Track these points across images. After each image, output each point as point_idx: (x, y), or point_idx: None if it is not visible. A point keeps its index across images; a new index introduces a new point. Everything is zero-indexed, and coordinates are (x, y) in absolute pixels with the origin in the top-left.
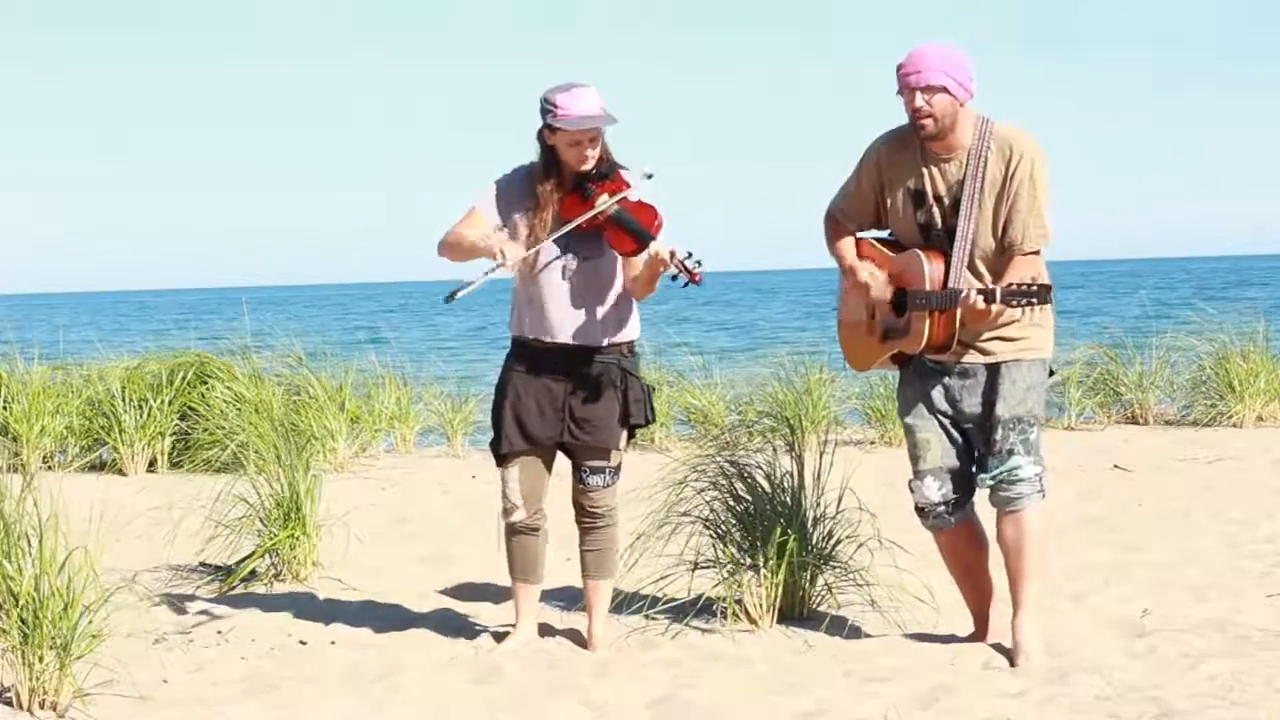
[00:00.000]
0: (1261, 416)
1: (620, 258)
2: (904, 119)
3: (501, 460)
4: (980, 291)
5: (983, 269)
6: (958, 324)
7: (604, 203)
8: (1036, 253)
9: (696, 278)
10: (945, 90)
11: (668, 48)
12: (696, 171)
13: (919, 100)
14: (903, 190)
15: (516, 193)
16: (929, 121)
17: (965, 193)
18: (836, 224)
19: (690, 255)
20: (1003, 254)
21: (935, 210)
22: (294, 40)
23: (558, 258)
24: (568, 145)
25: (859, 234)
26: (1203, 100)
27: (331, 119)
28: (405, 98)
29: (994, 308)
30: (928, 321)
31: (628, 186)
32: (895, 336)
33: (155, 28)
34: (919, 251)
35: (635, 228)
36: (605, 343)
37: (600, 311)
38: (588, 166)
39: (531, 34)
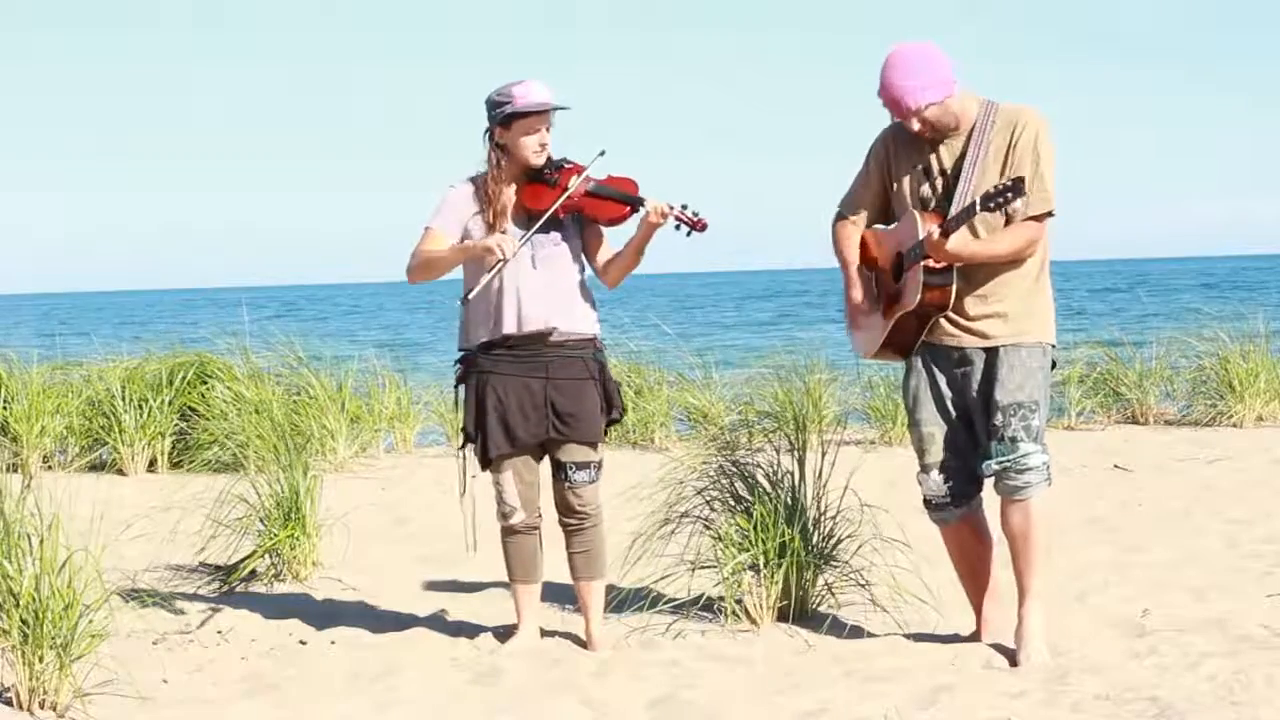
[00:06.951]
0: (1261, 416)
1: (590, 243)
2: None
3: (490, 465)
4: (940, 225)
5: (983, 234)
6: (954, 277)
7: (576, 182)
8: (1039, 220)
9: (700, 224)
10: (930, 104)
11: (665, 47)
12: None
13: (912, 123)
14: (910, 171)
15: (468, 202)
16: (926, 130)
17: (966, 160)
18: (841, 223)
19: (685, 206)
20: (1006, 221)
21: (940, 182)
22: (294, 40)
23: (524, 248)
24: (524, 135)
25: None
26: (1207, 101)
27: (332, 119)
28: (405, 98)
29: (951, 241)
30: (922, 272)
31: (586, 168)
32: (896, 302)
33: (155, 28)
34: (913, 211)
35: (620, 194)
36: (584, 330)
37: (573, 297)
38: (541, 161)
39: (531, 34)
